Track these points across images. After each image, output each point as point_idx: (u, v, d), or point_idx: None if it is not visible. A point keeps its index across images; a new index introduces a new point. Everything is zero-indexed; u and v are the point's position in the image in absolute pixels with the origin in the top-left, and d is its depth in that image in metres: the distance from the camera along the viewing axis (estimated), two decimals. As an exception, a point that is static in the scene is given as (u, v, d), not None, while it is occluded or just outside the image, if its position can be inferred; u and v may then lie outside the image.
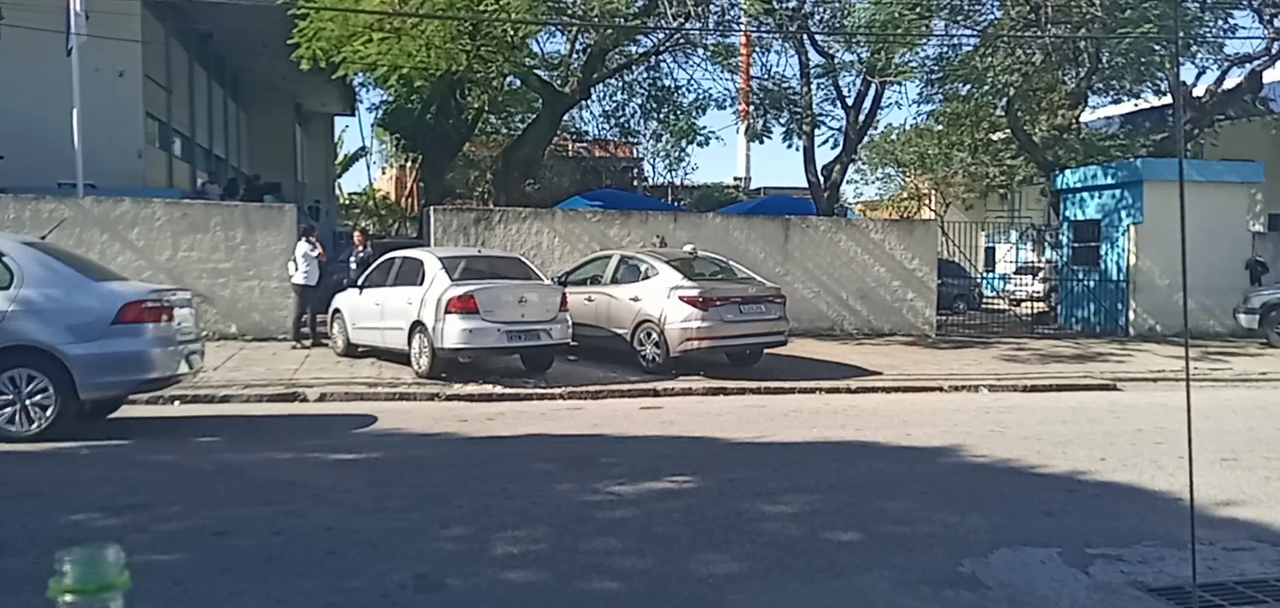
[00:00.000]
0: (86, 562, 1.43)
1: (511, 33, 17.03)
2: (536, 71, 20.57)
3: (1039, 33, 18.91)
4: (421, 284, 11.95)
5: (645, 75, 22.23)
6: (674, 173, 33.90)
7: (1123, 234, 19.39)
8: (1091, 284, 20.30)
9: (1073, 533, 5.79)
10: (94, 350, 8.10)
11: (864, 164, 34.89)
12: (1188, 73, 22.27)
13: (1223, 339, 18.27)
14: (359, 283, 13.57)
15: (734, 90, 22.66)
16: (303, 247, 14.70)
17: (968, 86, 21.98)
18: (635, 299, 12.96)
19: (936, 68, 21.19)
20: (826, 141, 22.25)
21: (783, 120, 20.88)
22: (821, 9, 20.48)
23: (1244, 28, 48.97)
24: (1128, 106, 25.41)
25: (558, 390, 11.40)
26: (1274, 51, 20.80)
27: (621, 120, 24.07)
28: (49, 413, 8.06)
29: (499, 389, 11.39)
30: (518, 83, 22.51)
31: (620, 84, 22.68)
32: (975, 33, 20.15)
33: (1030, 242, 27.24)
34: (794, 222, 18.41)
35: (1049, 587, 4.89)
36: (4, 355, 7.97)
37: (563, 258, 16.21)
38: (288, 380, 11.46)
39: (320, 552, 5.29)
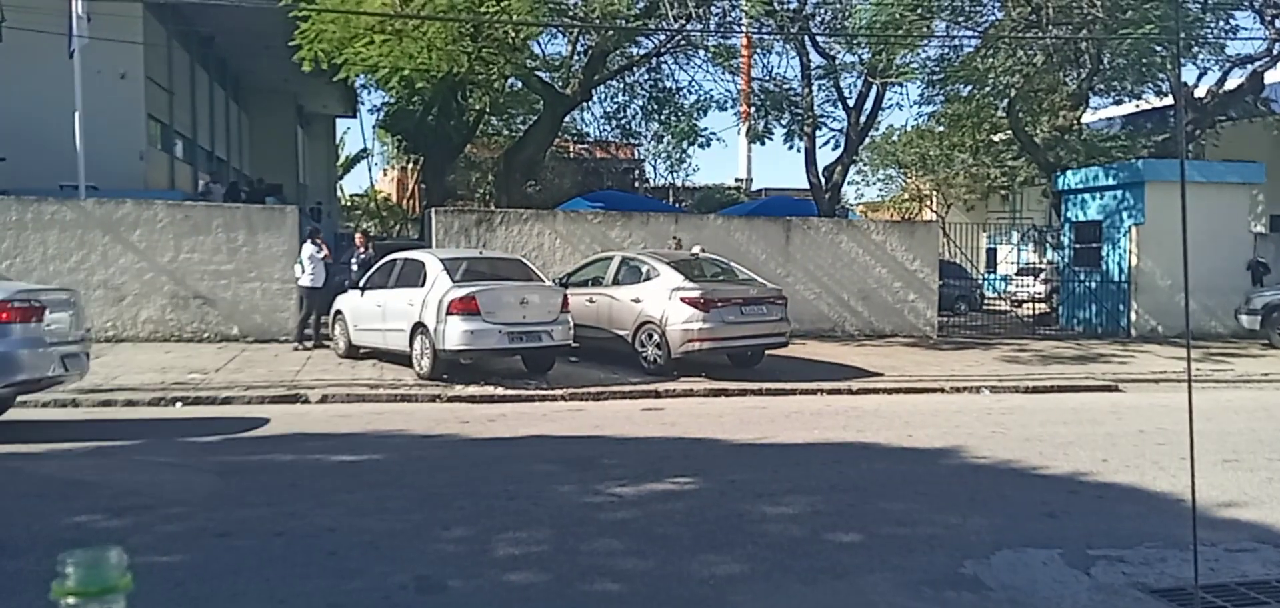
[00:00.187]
0: (89, 564, 1.43)
1: (513, 34, 17.04)
2: (538, 73, 20.58)
3: (1040, 34, 18.90)
4: (423, 286, 11.95)
5: (646, 77, 22.26)
6: (675, 174, 33.92)
7: (1124, 235, 19.38)
8: (1093, 285, 20.28)
9: (1074, 534, 5.79)
10: None
11: (865, 165, 34.89)
12: (1189, 74, 22.28)
13: (1224, 340, 18.26)
14: (360, 285, 13.58)
15: (735, 92, 22.68)
16: (309, 249, 14.72)
17: (969, 88, 21.96)
18: (637, 301, 12.96)
19: (938, 69, 21.18)
20: (828, 143, 22.30)
21: (784, 122, 20.88)
22: (823, 10, 20.48)
23: (1245, 29, 48.94)
24: (1129, 107, 25.39)
25: (559, 392, 11.40)
26: (1275, 52, 20.78)
27: (623, 122, 24.09)
28: None
29: (500, 391, 11.39)
30: (519, 84, 22.53)
31: (621, 85, 22.70)
32: (976, 34, 20.15)
33: (1032, 243, 27.23)
34: (795, 223, 18.41)
35: (1051, 588, 4.89)
36: None
37: (564, 259, 16.21)
38: (289, 382, 11.47)
39: (322, 553, 5.29)
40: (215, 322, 15.11)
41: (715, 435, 9.20)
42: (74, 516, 5.99)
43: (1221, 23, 20.33)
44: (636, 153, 34.20)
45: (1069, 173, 21.45)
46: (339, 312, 13.96)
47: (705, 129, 22.19)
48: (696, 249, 14.78)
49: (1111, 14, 17.98)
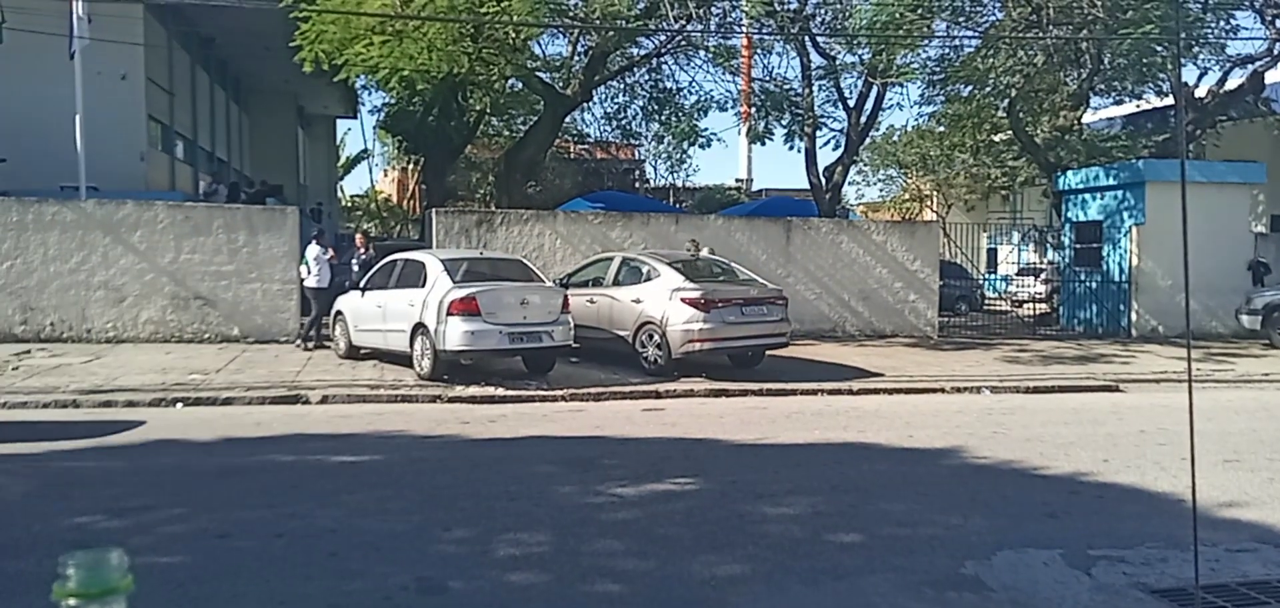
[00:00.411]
0: (90, 566, 1.43)
1: (513, 35, 17.04)
2: (538, 74, 20.58)
3: (1041, 34, 18.89)
4: (423, 286, 11.95)
5: (647, 77, 22.25)
6: (676, 175, 33.90)
7: (1125, 235, 19.37)
8: (1094, 285, 20.28)
9: (1075, 535, 5.79)
10: None
11: (866, 166, 34.89)
12: (1190, 74, 22.28)
13: (1225, 340, 18.25)
14: (361, 285, 13.58)
15: (735, 92, 22.67)
16: (314, 250, 14.73)
17: (969, 88, 21.97)
18: (637, 301, 12.96)
19: (938, 69, 21.19)
20: (828, 143, 22.29)
21: (784, 122, 20.86)
22: (823, 10, 20.48)
23: (1246, 29, 48.87)
24: (1130, 107, 25.39)
25: (560, 392, 11.40)
26: (1276, 52, 20.77)
27: (623, 122, 24.08)
28: None
29: (501, 391, 11.39)
30: (519, 85, 22.52)
31: (622, 86, 22.69)
32: (977, 34, 20.15)
33: (1032, 243, 27.24)
34: (796, 223, 18.40)
35: (1052, 589, 4.89)
36: None
37: (564, 260, 16.21)
38: (290, 383, 11.47)
39: (322, 554, 5.29)
40: (216, 323, 15.11)
41: (716, 436, 9.20)
42: (74, 517, 5.99)
43: (1222, 23, 20.33)
44: (637, 153, 34.20)
45: (1069, 173, 21.44)
46: (339, 312, 13.96)
47: (706, 130, 22.17)
48: (706, 250, 14.86)
49: (1112, 14, 17.98)
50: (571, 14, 18.71)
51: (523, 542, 5.54)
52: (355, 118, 43.36)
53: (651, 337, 12.70)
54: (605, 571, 5.10)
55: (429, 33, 15.23)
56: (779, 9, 18.74)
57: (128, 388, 10.85)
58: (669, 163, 31.25)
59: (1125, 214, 19.42)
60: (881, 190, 38.62)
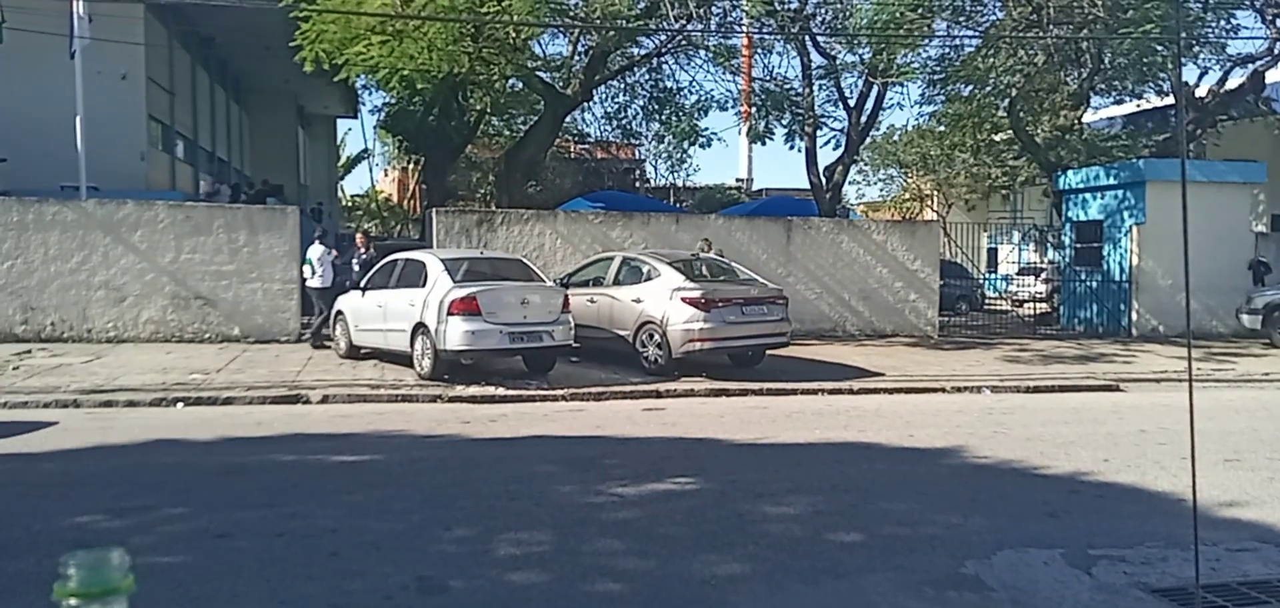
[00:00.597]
0: (91, 565, 1.43)
1: (513, 35, 17.04)
2: (538, 73, 20.58)
3: (1041, 33, 18.89)
4: (424, 286, 11.96)
5: (647, 77, 22.24)
6: (676, 174, 33.92)
7: (1125, 235, 19.37)
8: (1094, 285, 20.28)
9: (1076, 534, 5.79)
10: None
11: (866, 165, 34.88)
12: (1190, 73, 22.27)
13: (1226, 340, 18.24)
14: (361, 285, 13.58)
15: (736, 92, 22.66)
16: (318, 250, 14.74)
17: (970, 87, 21.95)
18: (637, 301, 12.96)
19: (938, 68, 21.17)
20: (828, 143, 22.28)
21: (785, 122, 20.85)
22: (823, 10, 20.47)
23: (1247, 28, 48.84)
24: (1130, 107, 25.38)
25: (560, 392, 11.40)
26: (1276, 52, 20.77)
27: (623, 122, 24.07)
28: None
29: (501, 391, 11.39)
30: (520, 85, 22.52)
31: (622, 86, 22.68)
32: (977, 33, 20.14)
33: (1032, 242, 27.23)
34: (796, 223, 18.40)
35: (1052, 588, 4.89)
36: None
37: (565, 259, 16.21)
38: (290, 382, 11.47)
39: (323, 554, 5.29)
40: (216, 322, 15.11)
41: (716, 436, 9.20)
42: (75, 516, 5.99)
43: (1222, 22, 20.32)
44: (637, 153, 34.20)
45: (1070, 172, 21.44)
46: (340, 312, 13.96)
47: (706, 129, 22.16)
48: (717, 249, 14.94)
49: (1112, 13, 17.98)
50: (572, 14, 18.70)
51: (523, 541, 5.54)
52: (355, 117, 43.42)
53: (652, 336, 12.70)
54: (606, 570, 5.10)
55: (429, 32, 15.24)
56: (779, 8, 18.74)
57: (128, 388, 10.85)
58: (669, 162, 31.29)
59: (1126, 213, 19.42)
60: (882, 190, 38.65)
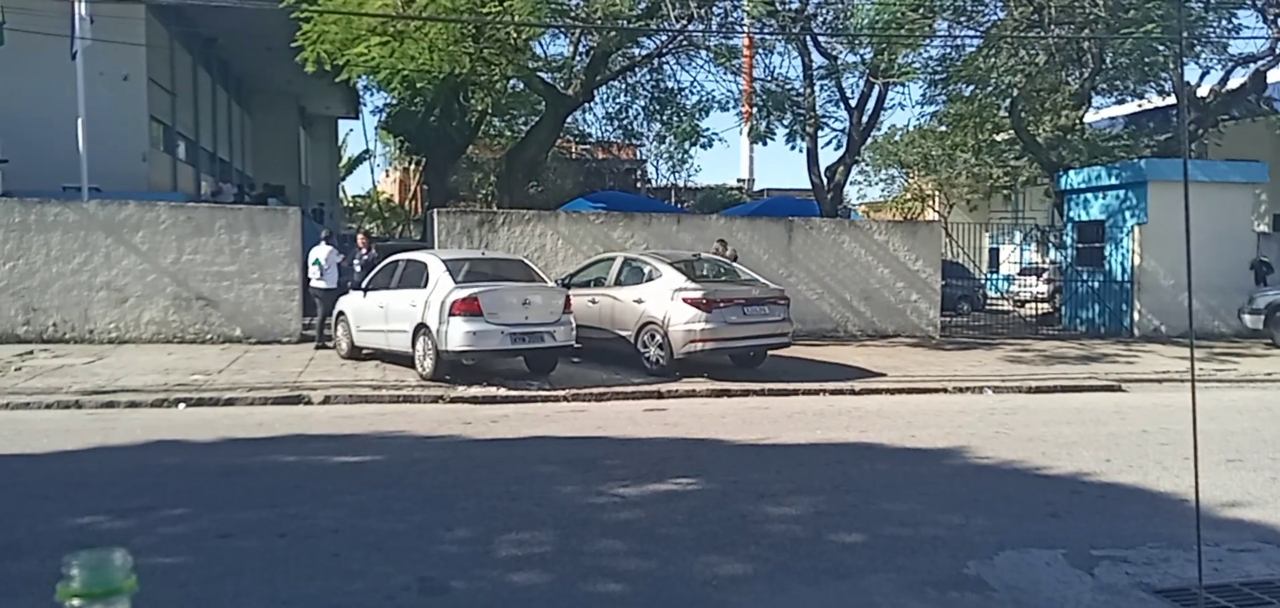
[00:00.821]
0: (94, 566, 1.44)
1: (514, 35, 17.04)
2: (540, 74, 20.59)
3: (1042, 33, 18.87)
4: (425, 287, 11.96)
5: (648, 77, 22.23)
6: (677, 175, 33.95)
7: (1127, 235, 19.35)
8: (1096, 285, 20.26)
9: (1078, 534, 5.78)
10: None
11: (867, 165, 34.81)
12: (1192, 73, 22.23)
13: (1228, 340, 18.22)
14: (363, 286, 13.59)
15: (737, 92, 22.66)
16: (325, 250, 14.75)
17: (971, 87, 21.93)
18: (639, 301, 12.97)
19: (940, 68, 21.15)
20: (830, 143, 22.25)
21: (786, 122, 20.84)
22: (824, 10, 20.47)
23: (1248, 28, 48.73)
24: (1132, 107, 25.35)
25: (562, 393, 11.40)
26: (1278, 51, 20.75)
27: (625, 122, 24.08)
28: None
29: (503, 391, 11.40)
30: (521, 85, 22.53)
31: (623, 86, 22.68)
32: (978, 33, 20.12)
33: (1034, 243, 27.20)
34: (797, 223, 18.39)
35: (1054, 589, 4.88)
36: None
37: (566, 260, 16.21)
38: (292, 383, 11.48)
39: (325, 554, 5.30)
40: (218, 323, 15.12)
41: (718, 436, 9.20)
42: (77, 517, 6.00)
43: (1224, 22, 20.29)
44: (638, 153, 34.20)
45: (1072, 172, 21.42)
46: (341, 313, 13.97)
47: (707, 129, 22.14)
48: (731, 250, 15.00)
49: (1114, 13, 17.96)
50: (573, 14, 18.71)
51: (525, 542, 5.54)
52: (357, 118, 43.46)
53: (653, 337, 12.70)
54: (607, 571, 5.10)
55: (430, 33, 15.25)
56: (780, 8, 18.73)
57: (130, 389, 10.86)
58: (671, 163, 31.30)
59: (1127, 213, 19.41)
60: (883, 190, 38.54)
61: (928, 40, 19.24)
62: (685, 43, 19.99)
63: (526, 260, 13.95)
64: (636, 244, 16.48)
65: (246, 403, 10.58)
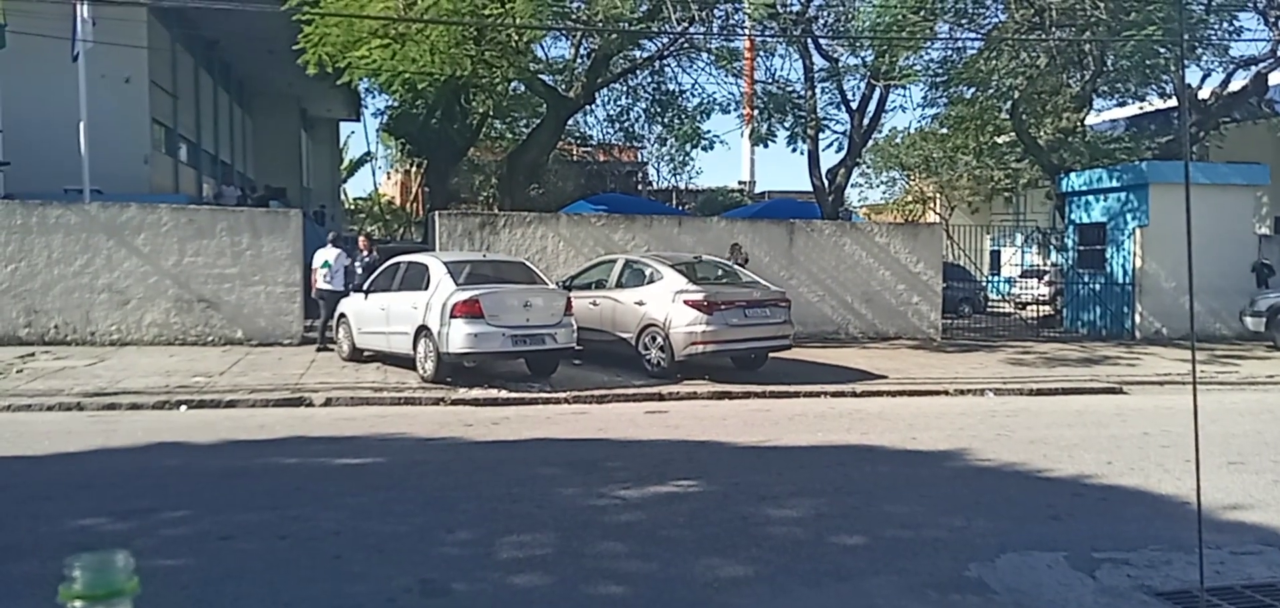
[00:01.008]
0: (96, 567, 1.44)
1: (516, 38, 17.06)
2: (541, 76, 20.59)
3: (1043, 36, 18.87)
4: (427, 289, 11.97)
5: (650, 80, 22.23)
6: (678, 177, 33.97)
7: (1128, 237, 19.34)
8: (1097, 287, 20.25)
9: (1079, 537, 5.78)
10: None
11: (868, 168, 34.84)
12: (1193, 75, 22.21)
13: (1229, 342, 18.21)
14: (364, 288, 13.59)
15: (738, 94, 22.66)
16: (332, 252, 14.76)
17: (972, 90, 21.92)
18: (640, 303, 12.97)
19: (941, 71, 21.14)
20: (831, 145, 22.24)
21: (787, 124, 20.84)
22: (825, 12, 20.48)
23: (1249, 30, 48.81)
24: (1133, 109, 25.33)
25: (563, 395, 11.40)
26: (1279, 54, 20.74)
27: (626, 125, 24.08)
28: None
29: (504, 393, 11.40)
30: (522, 88, 22.53)
31: (625, 88, 22.69)
32: (980, 36, 20.13)
33: (1035, 245, 27.18)
34: (798, 225, 18.39)
35: (1056, 591, 4.88)
36: None
37: (567, 262, 16.21)
38: (293, 385, 11.48)
39: (326, 556, 5.30)
40: (219, 325, 15.13)
41: (719, 438, 9.20)
42: (79, 519, 6.00)
43: (1225, 24, 20.29)
44: (640, 156, 34.21)
45: (1073, 175, 21.42)
46: (343, 315, 13.98)
47: (708, 132, 22.10)
48: (744, 254, 15.07)
49: (1115, 16, 17.96)
50: (574, 17, 18.72)
51: (526, 544, 5.55)
52: (358, 121, 43.45)
53: (655, 339, 12.70)
54: (608, 572, 5.10)
55: (432, 35, 15.26)
56: (781, 11, 18.74)
57: (131, 391, 10.87)
58: (672, 165, 31.32)
59: (1129, 216, 19.40)
60: (884, 193, 38.55)
61: (929, 42, 19.25)
62: (686, 45, 20.00)
63: (528, 263, 13.95)
64: (638, 246, 16.49)
65: (248, 405, 10.59)
